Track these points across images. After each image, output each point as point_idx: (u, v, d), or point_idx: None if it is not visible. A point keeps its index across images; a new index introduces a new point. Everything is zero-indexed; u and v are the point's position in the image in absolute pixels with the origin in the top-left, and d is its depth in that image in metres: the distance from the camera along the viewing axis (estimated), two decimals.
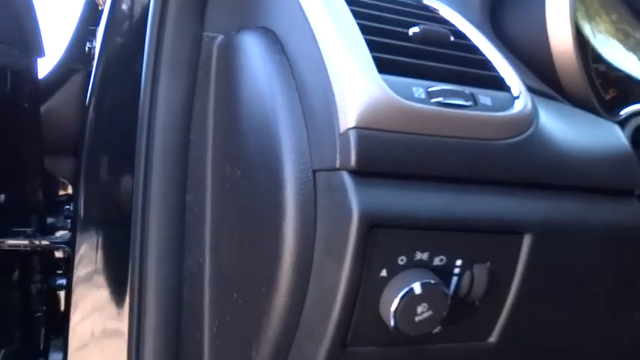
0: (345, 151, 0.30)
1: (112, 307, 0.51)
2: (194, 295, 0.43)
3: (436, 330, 0.33)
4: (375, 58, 0.32)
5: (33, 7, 0.51)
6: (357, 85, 0.30)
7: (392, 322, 0.30)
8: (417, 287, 0.29)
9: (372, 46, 0.32)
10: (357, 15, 0.34)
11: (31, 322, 0.62)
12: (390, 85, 0.31)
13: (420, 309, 0.30)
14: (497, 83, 0.35)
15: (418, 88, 0.32)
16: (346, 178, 0.30)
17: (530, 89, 0.38)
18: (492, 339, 0.35)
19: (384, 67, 0.31)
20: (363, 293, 0.30)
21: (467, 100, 0.33)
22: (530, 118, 0.34)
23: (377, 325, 0.31)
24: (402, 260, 0.30)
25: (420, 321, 0.30)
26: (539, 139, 0.34)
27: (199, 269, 0.43)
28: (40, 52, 0.53)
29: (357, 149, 0.29)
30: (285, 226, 0.32)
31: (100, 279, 0.51)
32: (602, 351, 0.39)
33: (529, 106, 0.35)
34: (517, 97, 0.35)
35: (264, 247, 0.35)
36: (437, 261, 0.31)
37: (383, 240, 0.30)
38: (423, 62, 0.33)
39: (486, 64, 0.37)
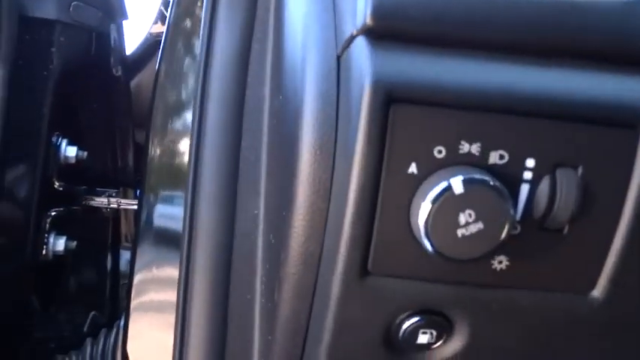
0: (361, 10, 0.23)
1: (165, 269, 0.49)
2: (247, 251, 0.39)
3: (500, 264, 0.23)
4: None
5: None
6: None
7: (424, 238, 0.22)
8: (456, 184, 0.21)
9: None
10: None
11: (118, 289, 0.63)
12: None
13: (463, 218, 0.21)
14: None
15: None
16: (361, 42, 0.23)
17: None
18: (597, 292, 0.24)
19: None
20: (386, 197, 0.22)
21: None
22: None
23: (408, 246, 0.23)
24: (440, 152, 0.22)
25: (465, 237, 0.21)
26: None
27: (253, 223, 0.39)
28: (123, 14, 0.55)
29: (373, 1, 0.22)
30: (303, 127, 0.26)
31: (157, 241, 0.49)
32: None
33: None
34: None
35: (287, 165, 0.29)
36: (494, 158, 0.22)
37: (411, 122, 0.22)
38: None
39: None
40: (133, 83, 0.63)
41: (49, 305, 0.59)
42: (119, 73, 0.59)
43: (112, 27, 0.54)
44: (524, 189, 0.22)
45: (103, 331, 0.56)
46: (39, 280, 0.56)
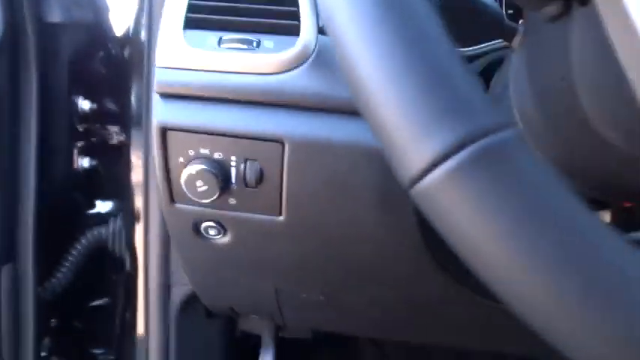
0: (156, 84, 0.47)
1: None
2: None
3: (232, 201, 0.50)
4: (186, 17, 0.47)
5: None
6: (162, 39, 0.47)
7: (185, 189, 0.48)
8: (193, 170, 0.47)
9: (191, 8, 0.48)
10: None
11: None
12: (188, 37, 0.46)
13: (199, 183, 0.47)
14: (293, 30, 0.47)
15: (212, 38, 0.46)
16: (155, 99, 0.47)
17: None
18: (282, 217, 0.50)
19: (191, 24, 0.47)
20: (170, 172, 0.49)
21: (249, 45, 0.46)
22: (301, 58, 0.46)
23: (182, 192, 0.50)
24: (191, 152, 0.48)
25: (201, 191, 0.48)
26: (311, 75, 0.46)
27: None
28: (107, 8, 0.79)
29: (158, 80, 0.47)
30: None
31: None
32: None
33: (308, 47, 0.46)
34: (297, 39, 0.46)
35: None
36: (216, 155, 0.47)
37: (177, 139, 0.47)
38: (228, 18, 0.47)
39: (294, 14, 0.48)
40: None
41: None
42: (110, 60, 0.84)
43: (103, 21, 0.79)
44: (233, 170, 0.48)
45: (112, 219, 0.88)
46: None
